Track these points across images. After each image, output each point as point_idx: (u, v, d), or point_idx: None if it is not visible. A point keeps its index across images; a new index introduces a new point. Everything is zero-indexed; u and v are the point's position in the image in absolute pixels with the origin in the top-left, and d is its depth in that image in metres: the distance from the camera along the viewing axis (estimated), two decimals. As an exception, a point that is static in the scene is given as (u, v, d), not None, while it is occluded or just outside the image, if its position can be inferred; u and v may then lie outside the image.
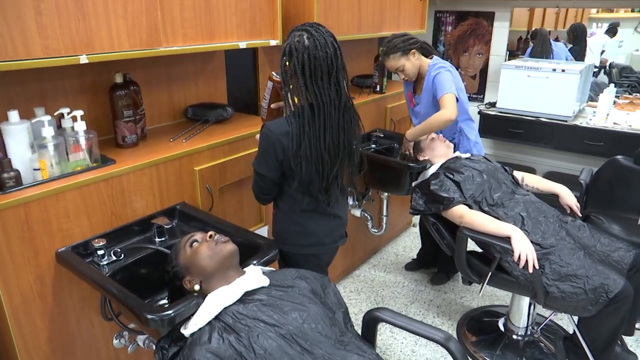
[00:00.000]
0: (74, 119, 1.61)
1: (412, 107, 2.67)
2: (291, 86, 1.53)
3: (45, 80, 1.73)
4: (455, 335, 2.47)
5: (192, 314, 1.25)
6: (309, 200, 1.65)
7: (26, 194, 1.43)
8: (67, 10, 1.43)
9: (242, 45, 2.04)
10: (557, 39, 4.04)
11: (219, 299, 1.24)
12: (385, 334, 2.47)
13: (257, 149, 1.65)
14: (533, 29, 4.03)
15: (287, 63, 1.51)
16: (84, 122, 1.61)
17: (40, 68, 1.45)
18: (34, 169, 1.53)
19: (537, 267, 1.84)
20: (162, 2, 1.70)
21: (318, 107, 1.52)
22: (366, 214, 2.89)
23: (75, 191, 1.53)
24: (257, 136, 1.68)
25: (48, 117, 1.55)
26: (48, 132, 1.52)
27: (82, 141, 1.61)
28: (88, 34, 1.50)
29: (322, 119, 1.54)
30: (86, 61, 1.51)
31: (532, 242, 1.89)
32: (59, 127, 1.67)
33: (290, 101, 1.56)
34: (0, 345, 1.61)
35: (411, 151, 2.48)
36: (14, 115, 1.51)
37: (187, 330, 1.22)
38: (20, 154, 1.52)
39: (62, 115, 1.64)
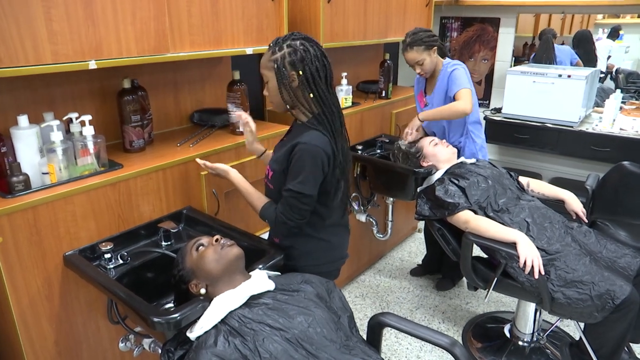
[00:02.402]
0: (83, 123, 1.62)
1: (422, 107, 2.68)
2: (311, 95, 1.50)
3: (54, 85, 1.75)
4: (460, 341, 2.46)
5: (198, 318, 1.25)
6: (330, 212, 1.63)
7: (35, 197, 1.44)
8: (77, 17, 1.45)
9: (249, 51, 2.06)
10: (562, 44, 4.04)
11: (224, 303, 1.24)
12: (390, 339, 2.47)
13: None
14: (540, 30, 4.03)
15: (301, 72, 1.47)
16: (92, 127, 1.62)
17: (49, 73, 1.47)
18: (43, 173, 1.55)
19: (542, 273, 1.84)
20: (170, 9, 1.72)
21: (331, 114, 1.52)
22: (371, 219, 2.89)
23: (83, 195, 1.55)
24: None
25: (57, 122, 1.57)
26: (57, 136, 1.54)
27: (90, 146, 1.63)
28: (97, 40, 1.52)
29: (338, 125, 1.55)
30: (95, 67, 1.53)
31: (537, 247, 1.89)
32: (67, 131, 1.69)
33: (307, 108, 1.53)
34: (8, 347, 1.62)
35: (413, 132, 2.51)
36: (23, 119, 1.53)
37: (193, 334, 1.23)
38: (29, 158, 1.54)
39: (70, 120, 1.66)
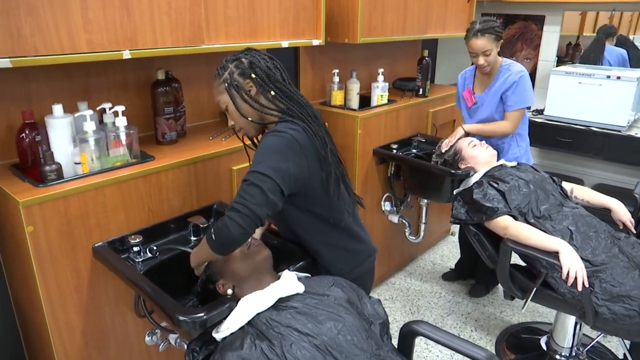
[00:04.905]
0: (116, 114, 1.61)
1: (469, 106, 2.56)
2: (272, 92, 1.38)
3: (89, 75, 1.74)
4: (493, 352, 2.37)
5: (225, 318, 1.22)
6: (332, 213, 1.45)
7: (66, 187, 1.43)
8: (113, 6, 1.44)
9: (285, 44, 2.01)
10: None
11: (252, 304, 1.20)
12: (419, 345, 2.39)
13: None
14: (598, 27, 3.83)
15: (254, 75, 1.36)
16: (125, 118, 1.61)
17: (85, 63, 1.46)
18: (75, 163, 1.55)
19: (586, 285, 1.73)
20: (206, 0, 1.69)
21: (300, 105, 1.40)
22: (404, 221, 2.81)
23: (114, 186, 1.53)
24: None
25: (90, 112, 1.56)
26: (90, 126, 1.53)
27: (123, 137, 1.61)
28: (132, 30, 1.50)
29: (311, 115, 1.41)
30: (129, 56, 1.51)
31: (581, 258, 1.78)
32: (100, 122, 1.68)
33: (274, 109, 1.39)
34: (37, 336, 1.63)
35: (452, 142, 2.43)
36: (58, 109, 1.53)
37: (218, 335, 1.19)
38: (62, 148, 1.54)
39: (104, 110, 1.65)
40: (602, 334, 2.22)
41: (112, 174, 1.54)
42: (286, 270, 1.34)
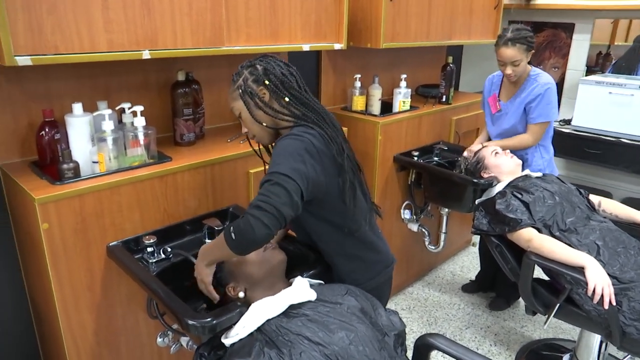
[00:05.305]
0: (134, 114, 1.61)
1: (493, 113, 2.50)
2: (286, 98, 1.35)
3: (109, 75, 1.75)
4: (513, 368, 2.29)
5: (234, 323, 1.19)
6: (346, 221, 1.40)
7: (82, 185, 1.43)
8: (133, 6, 1.44)
9: (306, 47, 1.99)
10: None
11: (262, 310, 1.18)
12: (436, 358, 2.33)
13: None
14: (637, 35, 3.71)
15: (267, 82, 1.34)
16: (143, 118, 1.61)
17: (105, 62, 1.46)
18: (93, 162, 1.55)
19: (613, 303, 1.66)
20: (227, 1, 1.68)
21: (315, 112, 1.37)
22: (424, 230, 2.76)
23: (130, 186, 1.53)
24: None
25: (109, 111, 1.56)
26: (108, 126, 1.53)
27: (141, 137, 1.61)
28: (152, 30, 1.50)
29: (327, 121, 1.37)
30: (148, 56, 1.51)
31: (608, 274, 1.71)
32: (119, 121, 1.68)
33: (288, 114, 1.36)
34: (50, 333, 1.64)
35: (472, 151, 2.36)
36: (77, 107, 1.53)
37: (227, 340, 1.16)
38: (81, 146, 1.54)
39: (123, 110, 1.65)
40: (630, 355, 2.12)
41: (128, 174, 1.54)
42: (299, 277, 1.31)
